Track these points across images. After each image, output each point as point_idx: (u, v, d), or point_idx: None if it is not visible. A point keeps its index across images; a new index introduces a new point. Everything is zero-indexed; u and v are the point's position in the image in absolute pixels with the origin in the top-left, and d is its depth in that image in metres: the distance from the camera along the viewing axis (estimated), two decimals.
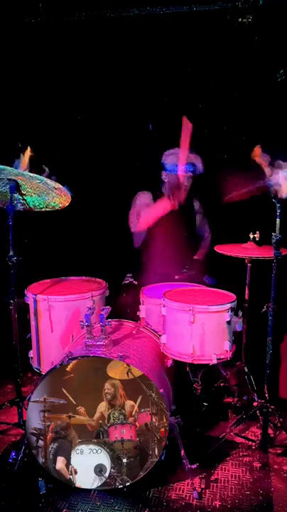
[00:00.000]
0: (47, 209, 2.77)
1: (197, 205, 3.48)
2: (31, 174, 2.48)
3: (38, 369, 2.77)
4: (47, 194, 2.64)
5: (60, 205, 2.73)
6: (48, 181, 2.50)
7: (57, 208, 2.74)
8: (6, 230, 2.58)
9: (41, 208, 2.77)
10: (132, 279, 3.34)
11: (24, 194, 2.66)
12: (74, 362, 2.47)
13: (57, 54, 3.67)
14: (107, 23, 3.59)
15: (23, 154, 2.57)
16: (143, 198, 3.40)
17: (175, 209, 3.25)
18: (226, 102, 3.55)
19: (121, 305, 3.08)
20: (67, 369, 2.56)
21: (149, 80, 3.63)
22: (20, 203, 2.72)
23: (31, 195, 2.68)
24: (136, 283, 3.27)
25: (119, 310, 3.00)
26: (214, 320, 2.41)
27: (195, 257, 3.41)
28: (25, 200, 2.71)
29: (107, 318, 2.45)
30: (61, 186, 2.54)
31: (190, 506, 2.27)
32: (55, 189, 2.57)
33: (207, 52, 3.49)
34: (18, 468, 2.47)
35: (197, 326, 2.40)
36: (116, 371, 2.58)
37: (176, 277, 3.25)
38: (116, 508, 2.28)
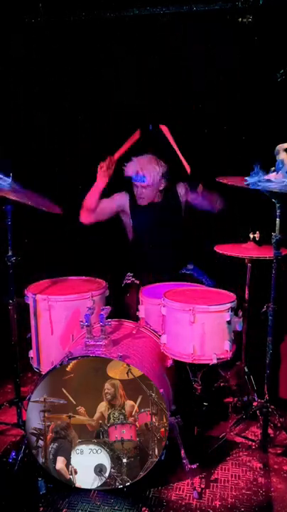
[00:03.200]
0: None
1: (182, 190, 3.41)
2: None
3: (37, 369, 2.76)
4: None
5: None
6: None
7: None
8: (4, 230, 2.58)
9: None
10: (133, 279, 3.34)
11: None
12: (74, 362, 2.47)
13: (57, 54, 3.67)
14: (107, 23, 3.59)
15: None
16: (117, 198, 3.44)
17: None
18: (226, 102, 3.55)
19: (125, 305, 3.08)
20: (67, 369, 2.56)
21: (149, 79, 3.63)
22: None
23: None
24: (137, 282, 3.27)
25: (123, 310, 3.00)
26: (214, 320, 2.41)
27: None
28: None
29: (107, 318, 2.45)
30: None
31: (190, 506, 2.27)
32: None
33: (207, 52, 3.49)
34: (18, 469, 2.47)
35: (197, 326, 2.40)
36: (116, 371, 2.58)
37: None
38: (116, 507, 2.28)
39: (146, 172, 3.26)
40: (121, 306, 3.06)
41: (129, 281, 3.32)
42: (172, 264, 3.34)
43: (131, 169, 3.31)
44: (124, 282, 3.34)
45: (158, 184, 3.32)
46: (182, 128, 3.63)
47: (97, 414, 2.58)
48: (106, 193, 3.39)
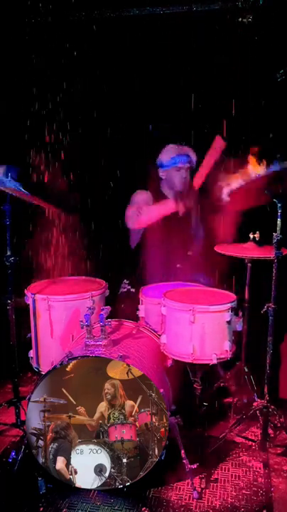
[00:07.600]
0: None
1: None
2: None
3: (37, 369, 2.76)
4: None
5: None
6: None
7: None
8: (3, 229, 2.58)
9: None
10: (129, 286, 3.29)
11: None
12: (74, 362, 2.47)
13: (57, 54, 3.67)
14: (107, 23, 3.59)
15: None
16: (143, 195, 3.37)
17: (182, 213, 3.17)
18: (226, 102, 3.55)
19: (121, 315, 3.00)
20: (67, 369, 2.56)
21: (149, 79, 3.63)
22: None
23: None
24: (133, 290, 3.21)
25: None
26: (214, 320, 2.41)
27: (188, 253, 3.36)
28: None
29: (107, 318, 2.45)
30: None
31: (190, 506, 2.27)
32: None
33: (207, 52, 3.49)
34: (18, 468, 2.47)
35: (197, 326, 2.40)
36: (116, 371, 2.58)
37: (178, 265, 3.21)
38: (116, 507, 2.28)
39: (189, 152, 3.20)
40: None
41: (125, 290, 3.28)
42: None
43: (167, 155, 3.22)
44: (120, 291, 3.29)
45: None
46: (182, 127, 3.64)
47: (97, 414, 2.58)
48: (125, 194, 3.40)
